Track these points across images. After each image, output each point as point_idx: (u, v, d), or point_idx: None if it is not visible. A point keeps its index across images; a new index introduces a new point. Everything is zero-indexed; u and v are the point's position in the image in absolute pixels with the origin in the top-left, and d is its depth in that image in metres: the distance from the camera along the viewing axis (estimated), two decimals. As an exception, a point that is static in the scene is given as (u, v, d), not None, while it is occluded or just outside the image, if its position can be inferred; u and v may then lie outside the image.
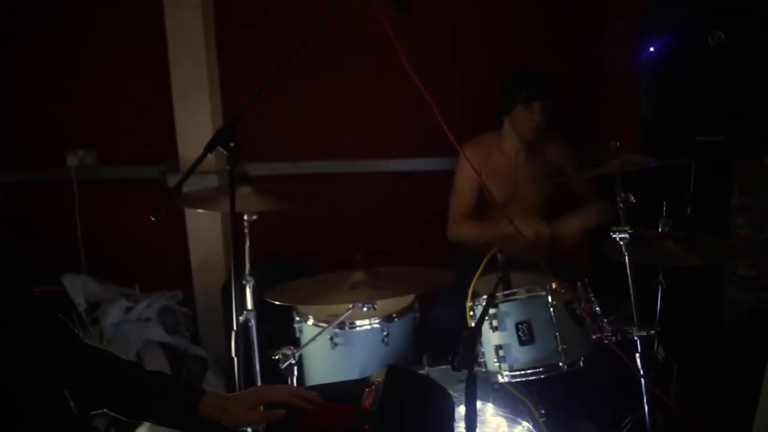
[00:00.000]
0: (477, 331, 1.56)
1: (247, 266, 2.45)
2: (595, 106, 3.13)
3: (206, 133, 3.23)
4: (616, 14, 3.00)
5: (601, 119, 3.12)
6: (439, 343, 2.68)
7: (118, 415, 1.39)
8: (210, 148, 1.98)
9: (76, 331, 1.42)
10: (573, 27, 3.12)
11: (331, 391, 1.59)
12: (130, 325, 3.10)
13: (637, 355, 2.01)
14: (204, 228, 3.38)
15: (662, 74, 2.28)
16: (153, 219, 1.98)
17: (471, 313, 2.15)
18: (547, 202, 2.92)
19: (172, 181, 3.24)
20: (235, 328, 2.08)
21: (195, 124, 3.29)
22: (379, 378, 1.52)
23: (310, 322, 2.47)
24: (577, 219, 2.81)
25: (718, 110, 2.27)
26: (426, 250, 3.10)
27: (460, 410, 1.71)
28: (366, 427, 1.36)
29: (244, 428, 1.51)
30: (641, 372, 2.02)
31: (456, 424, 1.70)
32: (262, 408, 1.47)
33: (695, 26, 2.17)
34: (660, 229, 2.27)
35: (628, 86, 2.65)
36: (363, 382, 1.56)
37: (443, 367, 2.23)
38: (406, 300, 2.50)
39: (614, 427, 2.53)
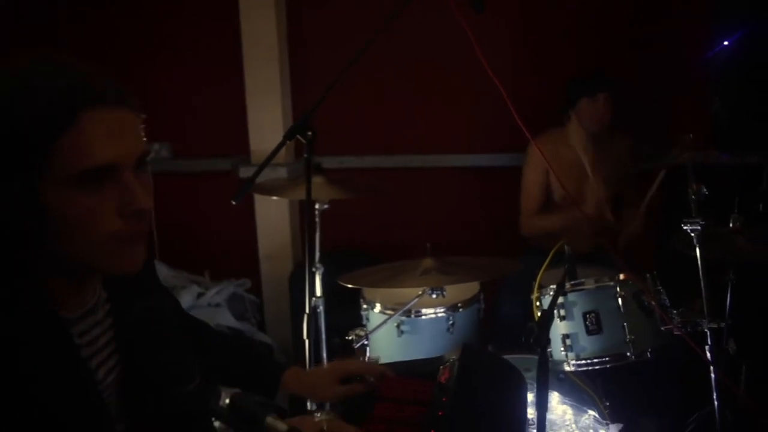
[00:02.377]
0: (551, 312, 1.60)
1: (317, 254, 2.53)
2: (665, 101, 3.12)
3: (277, 128, 3.37)
4: (686, 9, 2.98)
5: (671, 114, 3.11)
6: (503, 335, 2.73)
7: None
8: (290, 136, 2.09)
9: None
10: (643, 23, 3.11)
11: (404, 368, 1.64)
12: (201, 310, 3.24)
13: (707, 347, 2.01)
14: (272, 219, 3.50)
15: (735, 68, 2.27)
16: (234, 203, 2.10)
17: (537, 303, 2.19)
18: (614, 198, 2.93)
19: (244, 173, 3.37)
20: (306, 311, 2.19)
21: (266, 118, 3.42)
22: (454, 356, 1.57)
23: (377, 309, 2.53)
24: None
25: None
26: (492, 244, 3.13)
27: (529, 397, 1.76)
28: (443, 399, 1.41)
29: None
30: (712, 363, 2.01)
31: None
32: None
33: (771, 20, 2.16)
34: (731, 225, 2.25)
35: (699, 81, 2.64)
36: (437, 360, 1.61)
37: (509, 356, 2.26)
38: (471, 291, 2.54)
39: (679, 424, 2.52)
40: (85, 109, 0.92)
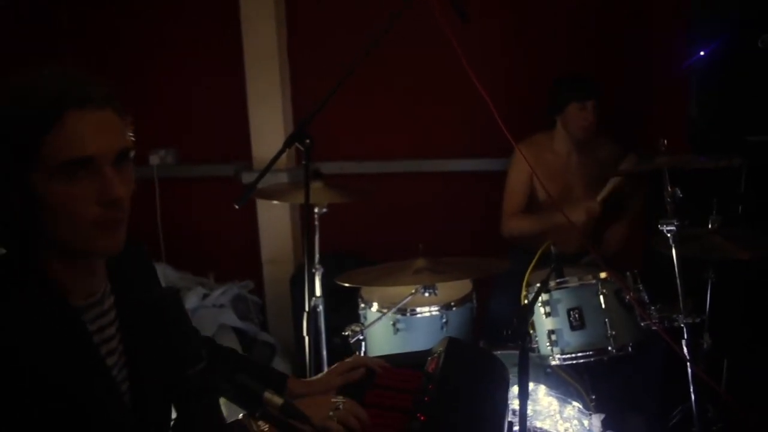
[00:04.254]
0: (530, 307, 1.72)
1: (317, 256, 2.65)
2: (645, 108, 3.22)
3: (278, 135, 3.49)
4: (665, 18, 3.09)
5: (651, 121, 3.21)
6: (493, 332, 2.84)
7: None
8: (289, 143, 2.22)
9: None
10: (623, 31, 3.22)
11: (397, 360, 1.76)
12: (206, 310, 3.35)
13: (684, 341, 2.12)
14: (274, 223, 3.62)
15: (712, 77, 2.39)
16: (237, 207, 2.22)
17: (525, 301, 2.30)
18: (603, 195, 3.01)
19: (246, 178, 3.49)
20: (306, 309, 2.30)
21: (268, 126, 3.54)
22: (440, 348, 1.69)
23: (374, 308, 2.64)
24: (613, 180, 2.82)
25: (768, 111, 2.37)
26: (484, 245, 3.24)
27: (514, 389, 1.87)
28: (430, 387, 1.52)
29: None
30: (687, 357, 2.12)
31: (510, 402, 1.85)
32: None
33: (744, 30, 2.27)
34: (710, 225, 2.36)
35: (678, 88, 2.74)
36: (426, 353, 1.72)
37: (499, 352, 2.38)
38: (464, 290, 2.65)
39: (663, 419, 2.62)
40: (70, 109, 1.05)
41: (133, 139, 1.14)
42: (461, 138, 3.45)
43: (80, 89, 1.07)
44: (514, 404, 1.86)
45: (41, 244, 1.10)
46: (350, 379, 1.60)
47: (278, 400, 0.98)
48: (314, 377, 1.67)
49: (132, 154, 1.14)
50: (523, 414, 1.61)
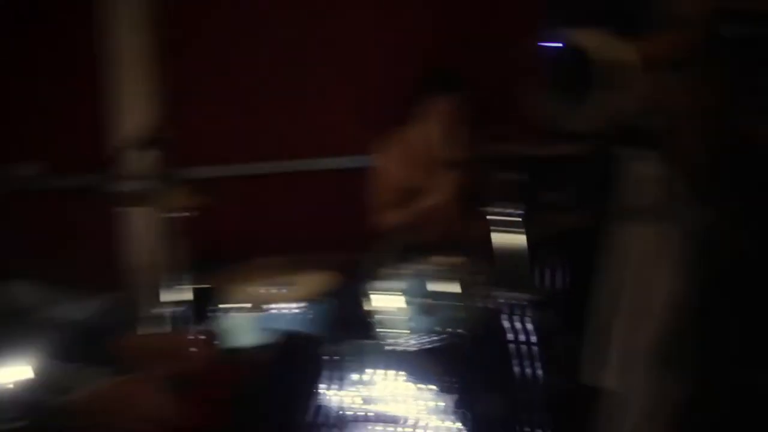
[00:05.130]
0: (369, 295, 1.79)
1: (182, 261, 2.62)
2: (509, 96, 3.37)
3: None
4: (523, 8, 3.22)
5: (513, 108, 3.36)
6: (352, 326, 2.89)
7: None
8: (142, 147, 2.20)
9: None
10: (488, 21, 3.42)
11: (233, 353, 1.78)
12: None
13: (524, 322, 2.24)
14: (141, 231, 3.55)
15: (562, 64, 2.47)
16: (103, 215, 2.16)
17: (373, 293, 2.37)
18: (464, 184, 3.13)
19: (112, 187, 3.40)
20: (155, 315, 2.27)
21: (134, 133, 3.46)
22: (270, 341, 1.74)
23: (233, 307, 2.56)
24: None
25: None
26: (349, 241, 3.29)
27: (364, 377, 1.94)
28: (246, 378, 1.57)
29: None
30: (528, 337, 2.24)
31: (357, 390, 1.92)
32: None
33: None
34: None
35: (534, 78, 2.88)
36: (259, 347, 1.77)
37: (353, 341, 2.43)
38: (324, 286, 2.67)
39: (514, 397, 2.74)
40: None
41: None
42: (325, 137, 3.52)
43: None
44: (362, 391, 1.95)
45: None
46: (174, 370, 1.61)
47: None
48: (155, 335, 1.66)
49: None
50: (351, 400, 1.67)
